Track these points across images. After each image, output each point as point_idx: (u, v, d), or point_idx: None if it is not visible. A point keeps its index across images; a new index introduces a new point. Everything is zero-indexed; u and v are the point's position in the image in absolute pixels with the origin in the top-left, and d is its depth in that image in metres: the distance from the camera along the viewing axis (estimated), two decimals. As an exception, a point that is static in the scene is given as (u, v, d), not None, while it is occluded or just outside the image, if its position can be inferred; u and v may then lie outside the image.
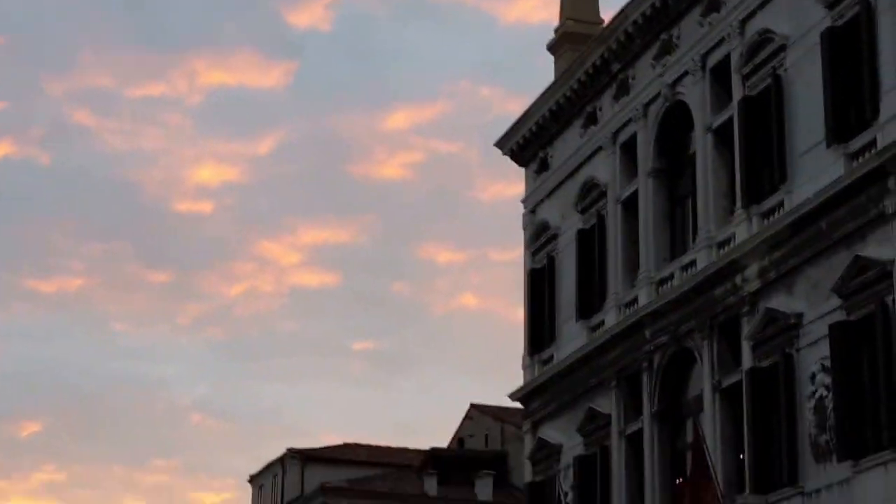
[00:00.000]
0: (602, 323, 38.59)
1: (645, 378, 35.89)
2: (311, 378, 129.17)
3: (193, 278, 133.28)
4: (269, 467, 69.08)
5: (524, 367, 42.95)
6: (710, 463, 30.56)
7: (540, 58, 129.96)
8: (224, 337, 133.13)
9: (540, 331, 42.42)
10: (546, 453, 41.01)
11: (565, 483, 39.39)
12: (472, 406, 70.77)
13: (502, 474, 63.97)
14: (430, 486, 61.35)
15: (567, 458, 39.69)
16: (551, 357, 41.44)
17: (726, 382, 32.54)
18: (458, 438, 71.32)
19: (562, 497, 37.98)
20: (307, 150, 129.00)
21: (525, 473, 43.06)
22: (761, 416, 30.74)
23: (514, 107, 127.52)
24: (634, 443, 36.54)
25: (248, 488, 73.25)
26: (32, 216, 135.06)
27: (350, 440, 70.56)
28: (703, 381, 33.41)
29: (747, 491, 30.78)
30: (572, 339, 40.08)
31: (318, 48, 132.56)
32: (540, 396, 41.61)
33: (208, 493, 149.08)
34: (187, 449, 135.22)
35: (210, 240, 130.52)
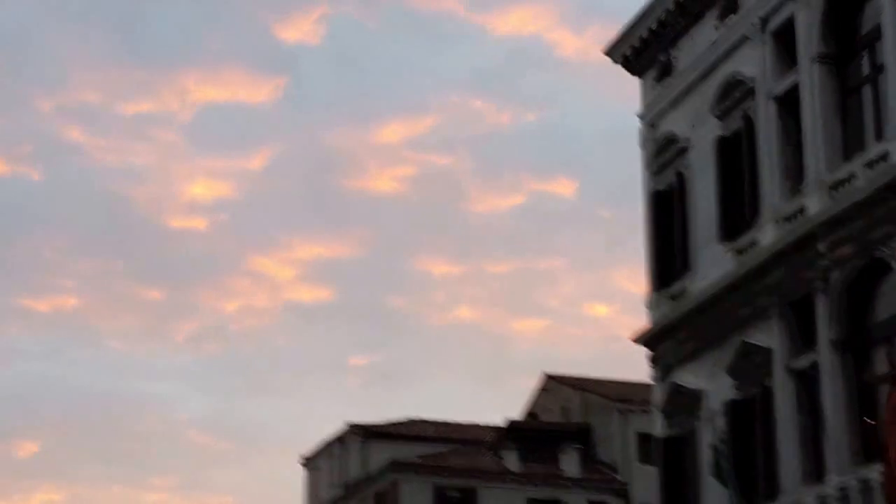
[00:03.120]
0: (755, 242, 33.21)
1: (819, 301, 30.45)
2: (307, 393, 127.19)
3: (188, 295, 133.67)
4: (326, 447, 63.91)
5: (649, 306, 37.71)
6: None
7: (530, 68, 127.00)
8: (220, 353, 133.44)
9: (668, 262, 37.30)
10: (683, 402, 35.74)
11: (711, 435, 33.86)
12: (548, 377, 65.42)
13: (588, 448, 58.59)
14: (511, 461, 56.18)
15: (713, 405, 34.30)
16: (684, 290, 36.18)
17: (941, 295, 26.98)
18: (531, 413, 65.89)
19: (718, 450, 32.32)
20: (299, 165, 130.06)
21: (657, 427, 37.67)
22: None
23: (505, 118, 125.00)
24: (805, 380, 31.01)
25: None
26: (24, 234, 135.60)
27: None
28: (904, 295, 27.85)
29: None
30: (713, 265, 34.86)
31: (308, 62, 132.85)
32: (672, 337, 36.38)
33: None
34: (185, 466, 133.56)
35: (204, 256, 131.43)
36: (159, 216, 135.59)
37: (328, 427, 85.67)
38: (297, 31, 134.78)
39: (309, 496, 66.63)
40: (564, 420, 62.87)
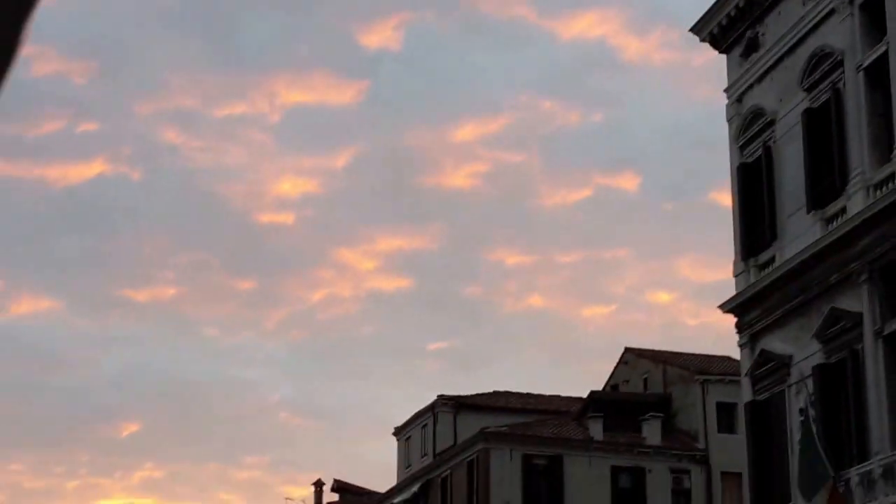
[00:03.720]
0: (844, 210, 32.91)
1: (910, 266, 30.17)
2: (389, 376, 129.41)
3: (277, 285, 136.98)
4: (416, 417, 63.98)
5: (736, 274, 37.49)
6: None
7: (597, 70, 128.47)
8: (307, 340, 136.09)
9: (755, 231, 36.92)
10: (771, 367, 35.50)
11: (798, 398, 33.76)
12: (627, 350, 65.24)
13: (668, 418, 58.41)
14: (596, 430, 56.02)
15: (800, 369, 34.05)
16: (772, 259, 35.95)
17: None
18: (612, 385, 65.69)
19: (808, 412, 32.20)
20: (380, 163, 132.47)
21: (744, 393, 37.48)
22: None
23: (573, 118, 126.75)
24: (894, 346, 30.79)
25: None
26: (124, 230, 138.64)
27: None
28: None
29: None
30: (801, 234, 34.53)
31: (388, 67, 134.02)
32: (759, 304, 36.15)
33: (297, 487, 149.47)
34: (276, 445, 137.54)
35: (292, 249, 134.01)
36: (250, 212, 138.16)
37: (411, 407, 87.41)
38: (378, 38, 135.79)
39: (401, 466, 66.92)
40: (644, 391, 62.59)
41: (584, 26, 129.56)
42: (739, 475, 51.33)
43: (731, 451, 53.43)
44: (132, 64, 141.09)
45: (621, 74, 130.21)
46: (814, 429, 31.72)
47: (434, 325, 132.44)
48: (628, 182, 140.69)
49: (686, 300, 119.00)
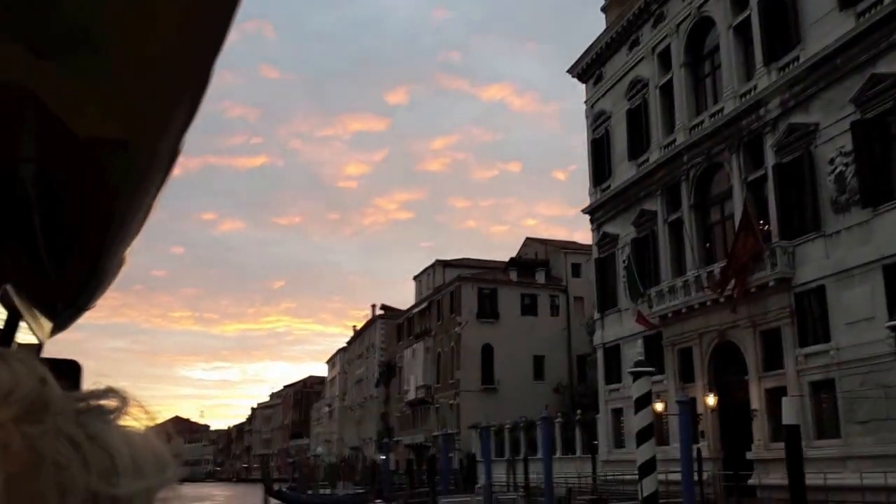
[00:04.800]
0: (647, 159, 30.45)
1: (683, 185, 27.90)
2: (402, 254, 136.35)
3: (348, 216, 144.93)
4: (424, 271, 61.47)
5: (590, 194, 34.91)
6: (754, 223, 22.63)
7: (499, 113, 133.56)
8: (363, 242, 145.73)
9: (600, 171, 34.38)
10: (608, 240, 33.21)
11: (622, 256, 31.56)
12: (527, 238, 62.76)
13: (548, 270, 56.14)
14: (513, 275, 53.78)
15: (623, 241, 31.80)
16: (609, 185, 33.42)
17: (751, 178, 24.43)
18: (520, 255, 63.40)
19: (630, 262, 30.01)
20: (396, 158, 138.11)
21: (593, 254, 35.12)
22: (786, 192, 22.65)
23: (488, 136, 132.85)
24: (674, 227, 28.57)
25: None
26: (275, 190, 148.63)
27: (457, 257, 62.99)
28: (730, 180, 25.25)
29: (775, 240, 22.73)
30: (625, 172, 32.06)
31: (400, 112, 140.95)
32: (602, 209, 33.72)
33: (361, 310, 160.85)
34: (349, 291, 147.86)
35: (354, 198, 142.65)
36: (335, 180, 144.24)
37: (419, 267, 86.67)
38: (395, 98, 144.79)
39: (417, 295, 64.68)
40: (536, 257, 60.25)
41: (492, 92, 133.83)
42: (583, 298, 49.38)
43: (579, 286, 51.53)
44: (277, 110, 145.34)
45: (512, 114, 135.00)
46: (633, 269, 29.65)
47: (423, 234, 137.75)
48: (515, 167, 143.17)
49: (542, 223, 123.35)
